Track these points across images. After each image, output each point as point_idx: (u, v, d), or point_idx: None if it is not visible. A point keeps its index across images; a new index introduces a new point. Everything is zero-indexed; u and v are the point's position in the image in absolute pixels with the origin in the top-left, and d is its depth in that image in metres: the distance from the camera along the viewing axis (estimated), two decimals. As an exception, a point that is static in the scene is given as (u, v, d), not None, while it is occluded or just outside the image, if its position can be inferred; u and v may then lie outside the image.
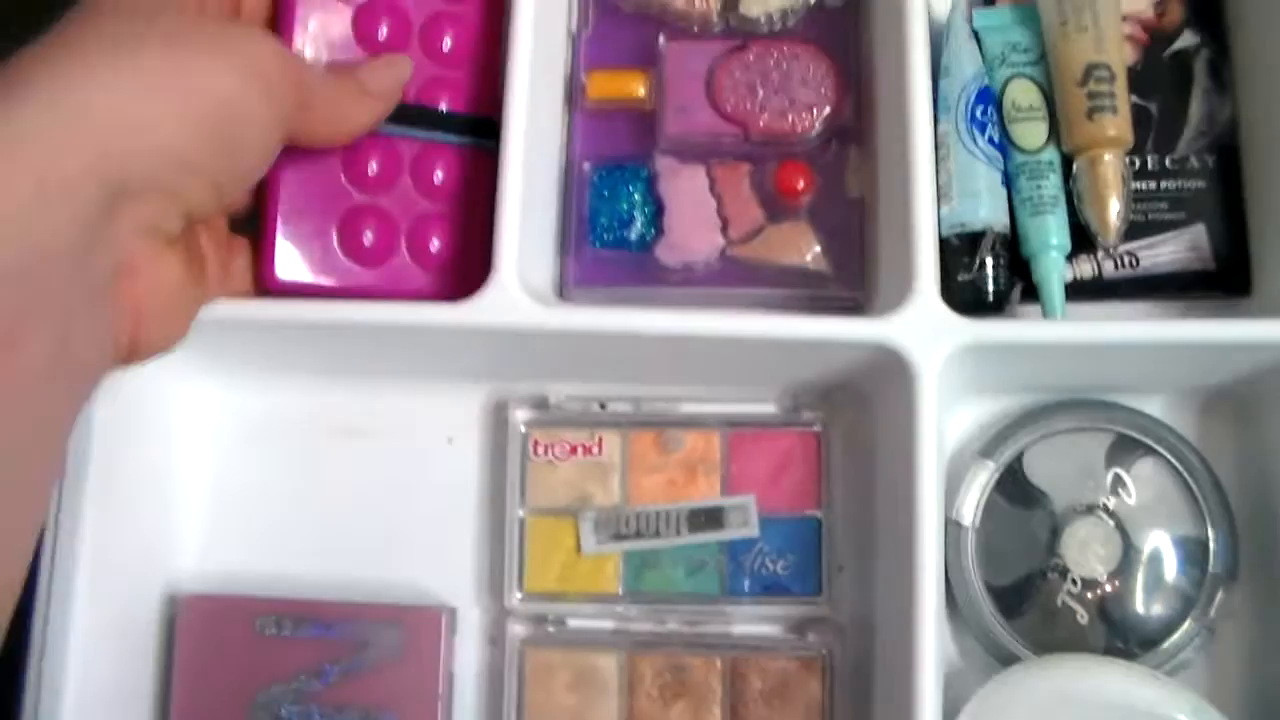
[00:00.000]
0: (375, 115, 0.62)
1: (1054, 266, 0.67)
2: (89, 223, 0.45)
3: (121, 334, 0.50)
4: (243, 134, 0.51)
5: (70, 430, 0.49)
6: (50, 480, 0.47)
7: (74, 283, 0.45)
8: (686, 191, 0.69)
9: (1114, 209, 0.66)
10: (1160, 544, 0.66)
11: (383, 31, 0.67)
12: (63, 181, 0.43)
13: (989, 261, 0.67)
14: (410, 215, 0.67)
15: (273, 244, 0.64)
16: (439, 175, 0.68)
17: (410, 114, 0.66)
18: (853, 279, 0.68)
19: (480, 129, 0.68)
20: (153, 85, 0.47)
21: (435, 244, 0.67)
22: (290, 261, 0.64)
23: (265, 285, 0.64)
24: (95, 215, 0.45)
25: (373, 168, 0.66)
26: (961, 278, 0.67)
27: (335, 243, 0.65)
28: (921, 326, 0.61)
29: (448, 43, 0.69)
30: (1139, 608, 0.65)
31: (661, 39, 0.71)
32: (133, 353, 0.52)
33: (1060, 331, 0.64)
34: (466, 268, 0.66)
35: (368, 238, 0.66)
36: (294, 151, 0.59)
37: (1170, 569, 0.66)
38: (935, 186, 0.66)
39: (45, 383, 0.44)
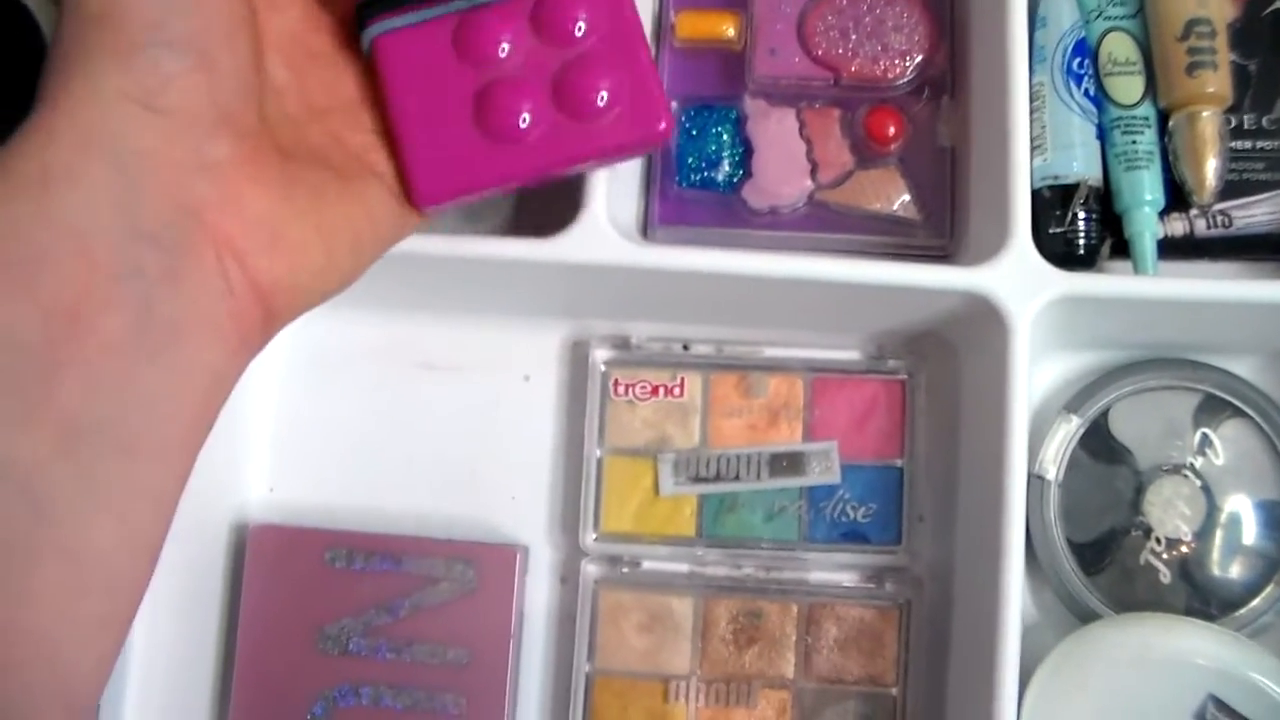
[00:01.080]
0: None
1: (1147, 223, 0.66)
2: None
3: (230, 282, 0.42)
4: None
5: (202, 393, 0.42)
6: (185, 447, 0.43)
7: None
8: (776, 134, 0.68)
9: (1210, 167, 0.65)
10: (1245, 507, 0.65)
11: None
12: None
13: (1081, 215, 0.66)
14: (549, 73, 0.51)
15: (411, 169, 0.50)
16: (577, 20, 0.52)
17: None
18: (941, 227, 0.67)
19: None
20: None
21: (596, 93, 0.51)
22: (434, 179, 0.50)
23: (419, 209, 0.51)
24: None
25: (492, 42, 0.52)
26: (1053, 230, 0.66)
27: (477, 135, 0.51)
28: (1016, 276, 0.60)
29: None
30: (1221, 569, 0.65)
31: (751, -18, 0.70)
32: (266, 301, 0.44)
33: (1153, 287, 0.62)
34: (643, 108, 0.52)
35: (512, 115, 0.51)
36: (396, 56, 0.50)
37: (1254, 532, 0.65)
38: (1029, 137, 0.65)
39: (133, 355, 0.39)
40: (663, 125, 0.50)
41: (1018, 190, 0.61)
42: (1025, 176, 0.61)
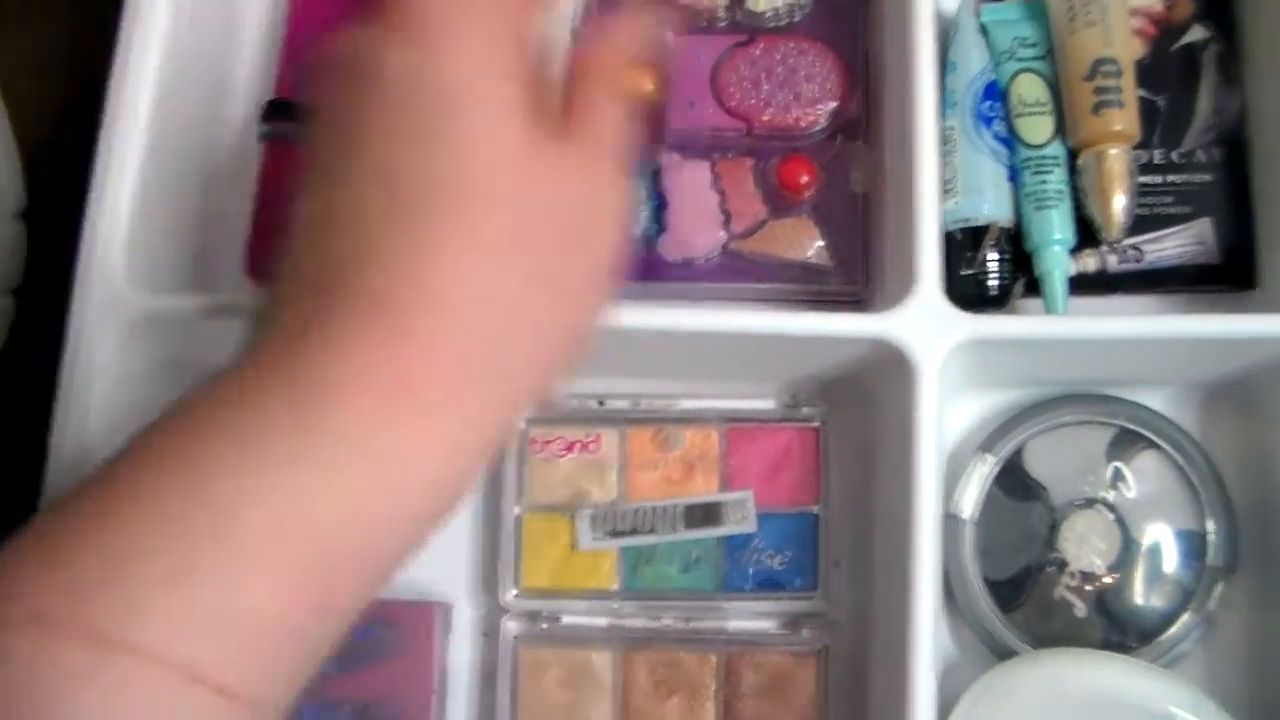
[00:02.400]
0: None
1: (1057, 261, 0.66)
2: None
3: None
4: None
5: None
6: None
7: None
8: (689, 186, 0.69)
9: (1118, 204, 0.66)
10: (1160, 537, 0.66)
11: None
12: None
13: (992, 256, 0.67)
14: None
15: (255, 244, 0.63)
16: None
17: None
18: (855, 274, 0.68)
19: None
20: None
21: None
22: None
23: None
24: None
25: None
26: (964, 272, 0.67)
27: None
28: (922, 322, 0.61)
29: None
30: (1137, 601, 0.65)
31: (669, 34, 0.70)
32: None
33: (1061, 327, 0.63)
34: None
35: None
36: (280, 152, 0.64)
37: (1169, 562, 0.66)
38: (940, 181, 0.66)
39: None
40: None
41: (924, 235, 0.62)
42: (931, 222, 0.62)
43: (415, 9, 0.43)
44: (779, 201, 0.68)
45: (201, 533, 0.36)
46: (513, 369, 0.42)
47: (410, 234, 0.40)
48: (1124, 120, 0.66)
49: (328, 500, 0.37)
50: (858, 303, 0.68)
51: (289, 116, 0.70)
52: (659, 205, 0.69)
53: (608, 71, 0.48)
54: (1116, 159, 0.66)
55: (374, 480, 0.38)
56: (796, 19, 0.71)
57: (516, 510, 0.68)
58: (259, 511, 0.36)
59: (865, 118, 0.70)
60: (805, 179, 0.68)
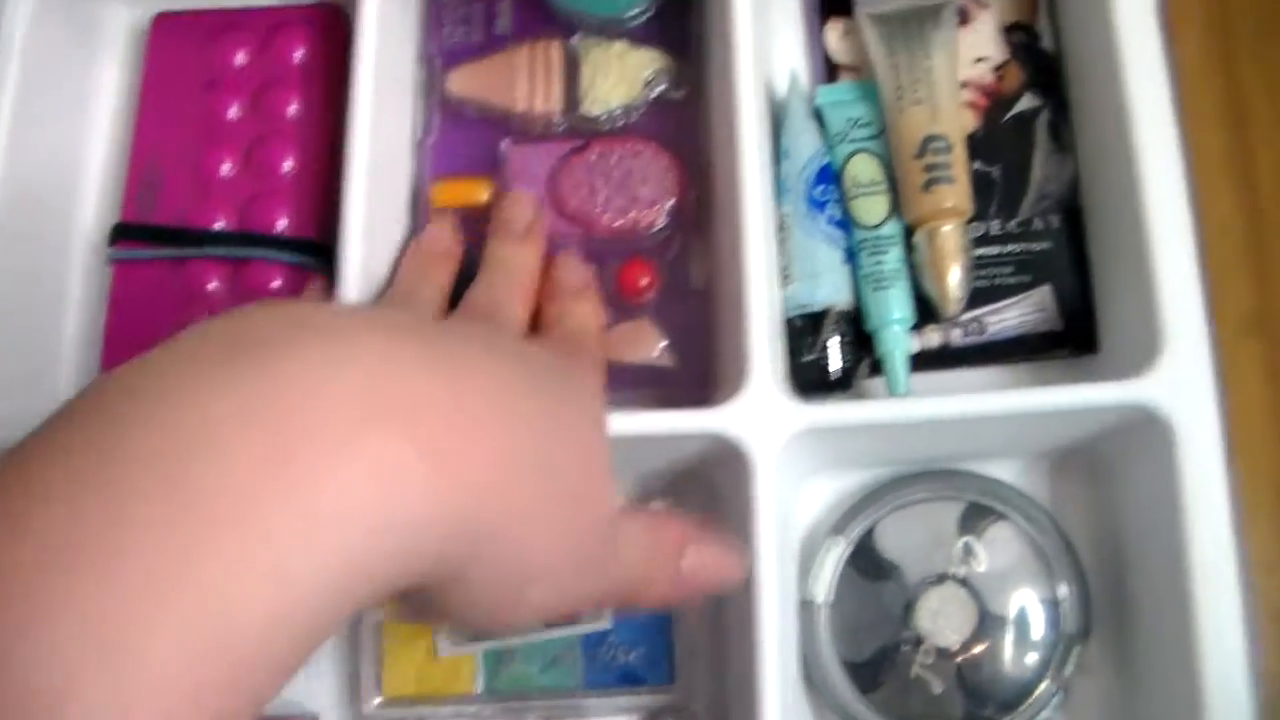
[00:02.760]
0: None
1: (897, 342, 0.68)
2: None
3: None
4: None
5: None
6: None
7: None
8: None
9: (954, 280, 0.67)
10: (1015, 607, 0.67)
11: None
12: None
13: (833, 340, 0.68)
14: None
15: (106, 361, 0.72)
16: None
17: (240, 238, 0.70)
18: (699, 372, 0.69)
19: (312, 250, 0.70)
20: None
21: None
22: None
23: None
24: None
25: (211, 286, 0.72)
26: (806, 358, 0.68)
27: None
28: (756, 415, 0.62)
29: (287, 164, 0.71)
30: (995, 672, 0.66)
31: (504, 143, 0.72)
32: None
33: (897, 410, 0.64)
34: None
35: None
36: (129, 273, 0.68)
37: (1025, 631, 0.66)
38: (777, 269, 0.67)
39: None
40: None
41: (753, 326, 0.63)
42: (760, 313, 0.63)
43: None
44: (621, 305, 0.69)
45: None
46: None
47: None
48: (955, 196, 0.67)
49: None
50: (709, 399, 0.69)
51: (137, 239, 0.73)
52: (504, 312, 0.70)
53: None
54: (949, 235, 0.67)
55: None
56: (632, 119, 0.72)
57: (377, 616, 0.69)
58: None
59: (703, 213, 0.71)
60: (645, 281, 0.69)
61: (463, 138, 0.73)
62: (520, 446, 0.43)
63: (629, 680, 0.68)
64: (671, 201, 0.70)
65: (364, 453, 0.36)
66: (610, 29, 0.74)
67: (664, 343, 0.69)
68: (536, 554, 0.44)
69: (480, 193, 0.71)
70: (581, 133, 0.72)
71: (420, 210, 0.72)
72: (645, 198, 0.70)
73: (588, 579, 0.47)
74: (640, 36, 0.74)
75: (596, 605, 0.50)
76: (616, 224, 0.70)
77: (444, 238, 0.68)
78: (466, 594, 0.42)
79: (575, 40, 0.74)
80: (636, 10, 0.74)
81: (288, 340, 0.38)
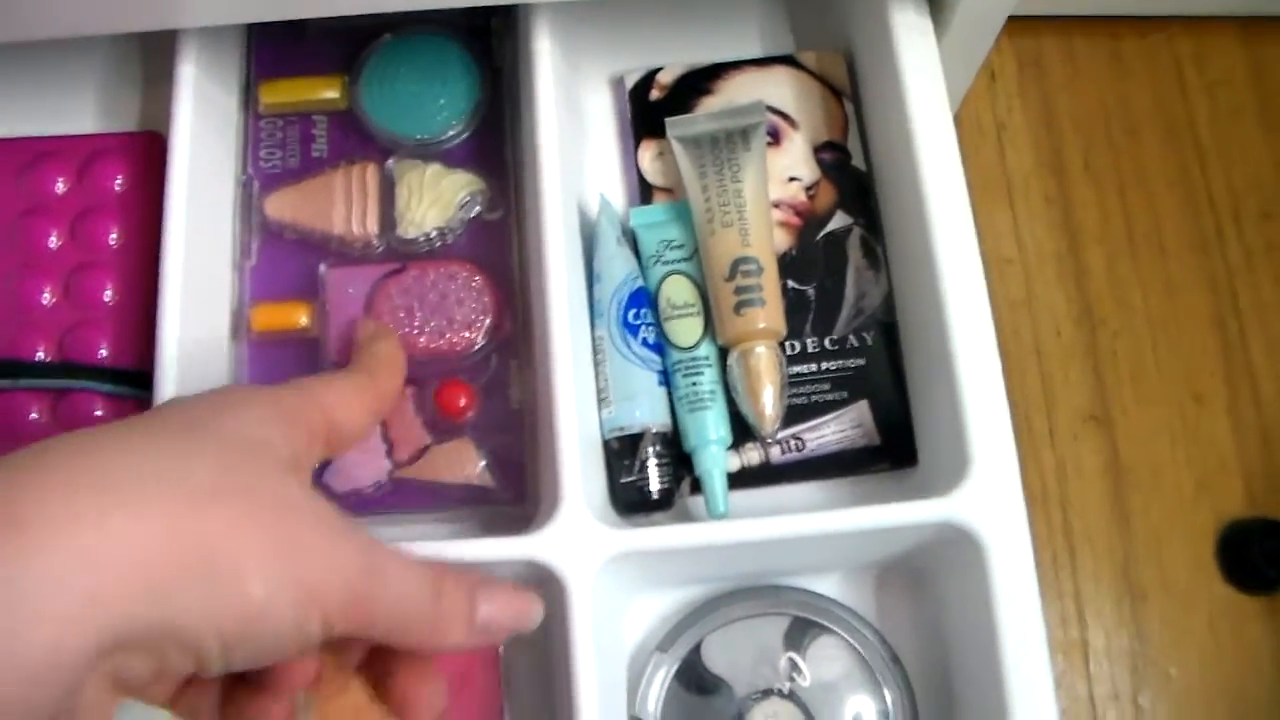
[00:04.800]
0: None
1: (715, 462, 0.68)
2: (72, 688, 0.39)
3: None
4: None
5: None
6: None
7: None
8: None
9: (769, 399, 0.68)
10: (843, 718, 0.67)
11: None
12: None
13: (651, 462, 0.68)
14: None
15: None
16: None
17: (59, 369, 0.69)
18: (518, 492, 0.69)
19: (132, 379, 0.70)
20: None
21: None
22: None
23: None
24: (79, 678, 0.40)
25: (32, 416, 0.71)
26: (625, 479, 0.68)
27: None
28: (569, 540, 0.62)
29: (107, 292, 0.71)
30: (825, 788, 0.67)
31: (322, 266, 0.72)
32: None
33: (713, 533, 0.64)
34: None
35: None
36: None
37: (856, 745, 0.67)
38: (594, 392, 0.68)
39: None
40: None
41: (564, 452, 0.63)
42: (570, 439, 0.63)
43: None
44: (440, 426, 0.70)
45: None
46: None
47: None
48: (767, 317, 0.68)
49: None
50: (529, 517, 0.69)
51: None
52: (323, 438, 0.70)
53: None
54: (762, 356, 0.68)
55: None
56: (449, 241, 0.73)
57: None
58: None
59: (521, 334, 0.71)
60: (463, 402, 0.69)
61: (282, 261, 0.73)
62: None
63: (457, 804, 0.67)
64: (488, 322, 0.70)
65: None
66: (426, 151, 0.75)
67: (483, 462, 0.69)
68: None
69: (299, 315, 0.71)
70: (399, 255, 0.73)
71: (241, 334, 0.72)
72: (462, 319, 0.70)
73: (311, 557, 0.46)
74: (456, 159, 0.75)
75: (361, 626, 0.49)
76: (434, 345, 0.70)
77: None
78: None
79: (391, 163, 0.74)
80: (452, 132, 0.74)
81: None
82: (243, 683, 0.50)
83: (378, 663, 0.54)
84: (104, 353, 0.72)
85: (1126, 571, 0.82)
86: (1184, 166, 0.93)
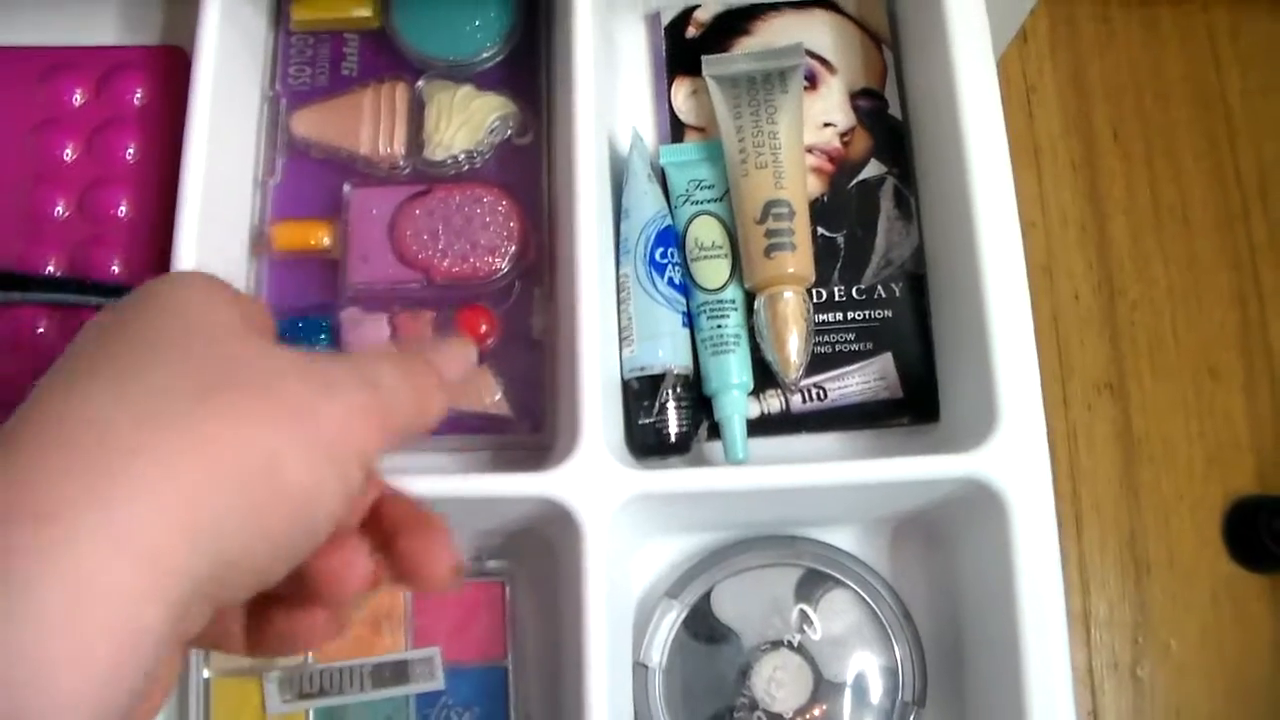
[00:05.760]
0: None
1: (735, 407, 0.67)
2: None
3: None
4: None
5: None
6: None
7: None
8: (369, 342, 0.68)
9: (794, 346, 0.67)
10: (852, 674, 0.67)
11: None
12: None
13: (670, 404, 0.67)
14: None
15: None
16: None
17: (70, 284, 0.68)
18: (536, 424, 0.68)
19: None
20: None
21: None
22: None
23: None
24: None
25: (40, 330, 0.69)
26: (643, 421, 0.67)
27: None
28: (586, 480, 0.61)
29: (122, 207, 0.70)
30: (830, 741, 0.66)
31: (347, 186, 0.71)
32: None
33: (732, 478, 0.63)
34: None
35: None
36: None
37: (862, 698, 0.66)
38: (616, 330, 0.66)
39: None
40: None
41: (585, 391, 0.62)
42: (592, 379, 0.62)
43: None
44: (460, 352, 0.68)
45: None
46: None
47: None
48: (797, 263, 0.67)
49: None
50: (546, 448, 0.68)
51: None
52: (339, 362, 0.68)
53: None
54: (790, 302, 0.67)
55: None
56: (477, 165, 0.71)
57: (205, 674, 0.67)
58: None
59: (546, 264, 0.70)
60: (484, 328, 0.68)
61: (306, 179, 0.72)
62: None
63: (461, 742, 0.67)
64: (513, 249, 0.69)
65: None
66: (457, 73, 0.73)
67: (499, 393, 0.68)
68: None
69: (320, 235, 0.70)
70: (425, 177, 0.71)
71: (262, 252, 0.71)
72: (486, 244, 0.69)
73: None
74: (487, 81, 0.73)
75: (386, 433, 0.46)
76: (456, 270, 0.69)
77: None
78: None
79: (421, 83, 0.72)
80: (485, 54, 0.73)
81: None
82: (277, 600, 0.47)
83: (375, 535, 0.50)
84: (116, 269, 0.71)
85: (1133, 543, 0.82)
86: (1213, 140, 0.92)
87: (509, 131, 0.72)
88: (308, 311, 0.69)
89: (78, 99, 0.74)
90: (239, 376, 0.41)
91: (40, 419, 0.38)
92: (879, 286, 0.71)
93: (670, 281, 0.68)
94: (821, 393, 0.69)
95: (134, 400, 0.39)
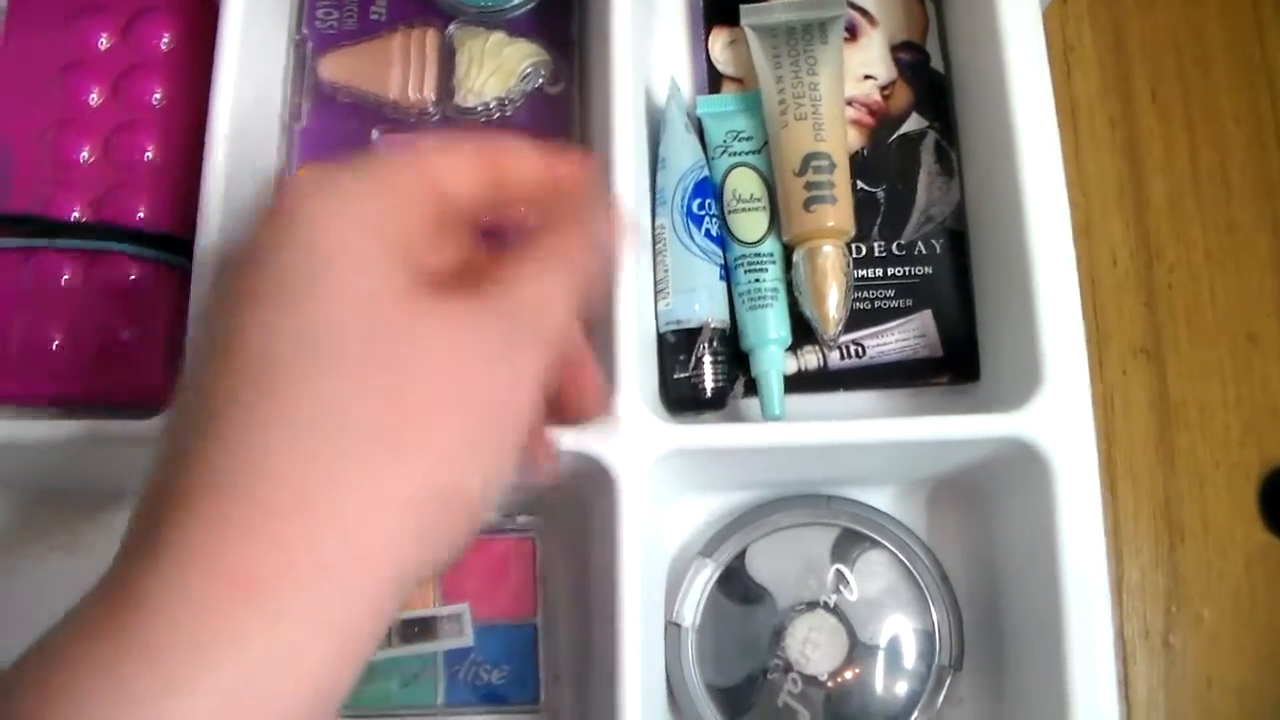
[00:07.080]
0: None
1: (772, 362, 0.66)
2: None
3: None
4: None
5: None
6: None
7: None
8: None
9: (833, 301, 0.65)
10: (887, 636, 0.65)
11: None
12: None
13: (707, 358, 0.66)
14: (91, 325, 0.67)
15: None
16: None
17: (96, 230, 0.67)
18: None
19: (170, 244, 0.67)
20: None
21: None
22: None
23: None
24: None
25: (64, 278, 0.68)
26: (678, 375, 0.66)
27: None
28: (622, 434, 0.60)
29: (148, 153, 0.68)
30: (865, 702, 0.65)
31: (375, 132, 0.69)
32: None
33: (769, 435, 0.62)
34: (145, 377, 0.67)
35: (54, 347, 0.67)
36: None
37: (897, 661, 0.65)
38: (651, 283, 0.65)
39: None
40: None
41: (620, 346, 0.61)
42: (628, 332, 0.61)
43: (281, 194, 0.39)
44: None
45: None
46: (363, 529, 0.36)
47: (244, 406, 0.36)
48: (836, 216, 0.66)
49: None
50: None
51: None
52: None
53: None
54: (829, 256, 0.65)
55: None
56: (508, 112, 0.70)
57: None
58: None
59: (578, 215, 0.68)
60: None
61: (333, 125, 0.71)
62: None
63: (492, 699, 0.66)
64: (544, 200, 0.67)
65: None
66: (489, 19, 0.72)
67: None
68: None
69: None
70: (455, 123, 0.70)
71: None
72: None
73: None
74: (519, 28, 0.72)
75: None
76: (485, 219, 0.67)
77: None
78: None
79: (452, 29, 0.71)
80: (516, 1, 0.72)
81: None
82: None
83: None
84: (141, 215, 0.69)
85: (1167, 510, 0.80)
86: (1254, 104, 0.90)
87: (541, 79, 0.70)
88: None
89: (104, 42, 0.72)
90: (406, 395, 0.37)
91: (229, 469, 0.35)
92: (919, 243, 0.69)
93: (708, 233, 0.66)
94: (860, 349, 0.68)
95: (312, 452, 0.36)
